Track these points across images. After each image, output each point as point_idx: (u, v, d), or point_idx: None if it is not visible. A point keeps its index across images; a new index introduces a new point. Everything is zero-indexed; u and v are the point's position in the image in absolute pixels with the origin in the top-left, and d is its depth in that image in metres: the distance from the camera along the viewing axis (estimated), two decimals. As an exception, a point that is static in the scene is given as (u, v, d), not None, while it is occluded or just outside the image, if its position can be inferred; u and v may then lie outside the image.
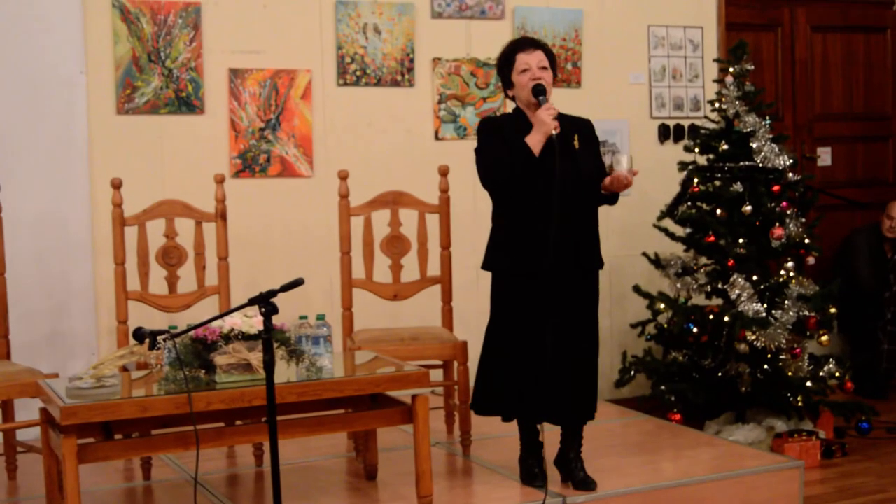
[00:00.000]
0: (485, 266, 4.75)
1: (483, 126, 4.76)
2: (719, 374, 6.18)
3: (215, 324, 4.09)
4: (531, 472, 4.77)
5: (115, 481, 5.07)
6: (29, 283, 5.78)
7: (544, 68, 4.62)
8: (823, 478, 5.71)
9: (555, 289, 4.53)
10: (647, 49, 7.36)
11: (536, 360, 4.53)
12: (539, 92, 4.54)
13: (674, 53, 7.44)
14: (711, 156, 6.44)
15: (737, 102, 6.36)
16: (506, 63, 4.70)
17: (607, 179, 4.55)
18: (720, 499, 4.89)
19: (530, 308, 4.56)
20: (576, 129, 4.68)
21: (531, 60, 4.60)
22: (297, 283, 3.72)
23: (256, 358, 4.12)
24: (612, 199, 4.70)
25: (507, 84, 4.73)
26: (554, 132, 4.46)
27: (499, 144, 4.57)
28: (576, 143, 4.62)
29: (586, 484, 4.68)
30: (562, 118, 4.58)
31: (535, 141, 4.49)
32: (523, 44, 4.71)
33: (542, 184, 4.49)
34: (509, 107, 6.69)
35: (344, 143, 6.52)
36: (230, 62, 6.28)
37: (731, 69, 6.44)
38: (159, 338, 3.92)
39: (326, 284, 6.27)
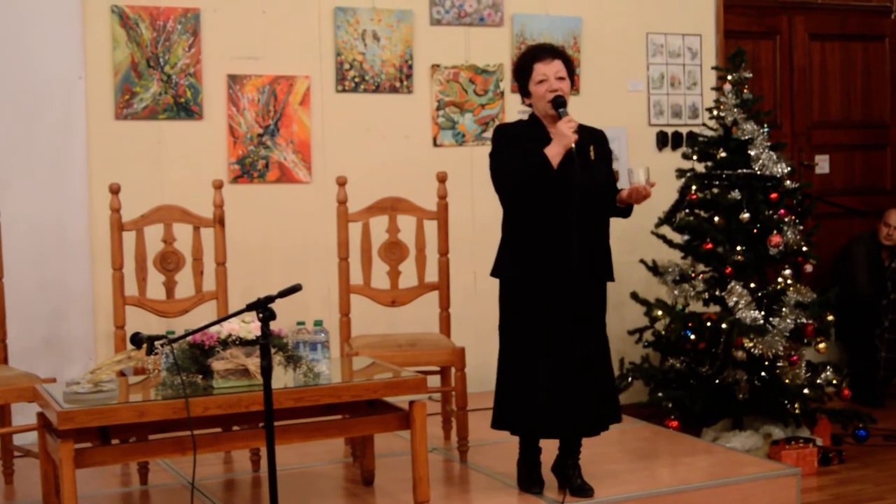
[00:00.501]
0: (496, 273, 4.73)
1: (499, 132, 4.73)
2: (717, 381, 6.18)
3: (213, 329, 4.10)
4: (530, 479, 4.76)
5: (111, 486, 5.07)
6: (27, 288, 5.77)
7: (562, 78, 4.60)
8: (820, 485, 5.71)
9: (571, 298, 4.53)
10: (646, 56, 7.37)
11: (562, 374, 4.53)
12: (559, 104, 4.53)
13: (672, 61, 7.45)
14: (709, 163, 6.45)
15: (735, 110, 6.37)
16: (522, 72, 4.69)
17: (625, 192, 4.56)
18: (717, 506, 4.90)
19: (546, 318, 4.55)
20: (591, 139, 4.68)
21: (548, 71, 4.58)
22: (295, 288, 3.73)
23: (254, 363, 4.12)
24: (626, 211, 4.71)
25: (524, 93, 4.72)
26: (573, 145, 4.46)
27: (515, 153, 4.56)
28: (591, 153, 4.63)
29: (583, 490, 4.68)
30: (578, 129, 4.57)
31: (554, 153, 4.48)
32: (541, 53, 4.68)
33: (560, 195, 4.49)
34: (508, 113, 6.75)
35: (342, 150, 6.53)
36: (229, 68, 6.29)
37: (729, 77, 6.45)
38: (157, 343, 3.93)
39: (324, 290, 6.27)
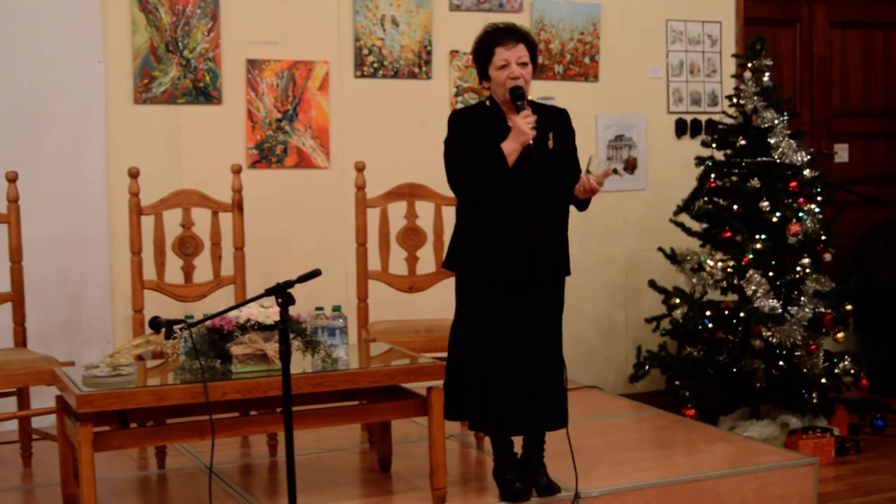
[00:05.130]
0: (449, 265, 4.55)
1: (454, 119, 4.49)
2: (734, 369, 6.16)
3: (232, 314, 4.10)
4: (512, 488, 4.48)
5: (129, 469, 5.09)
6: (45, 272, 5.79)
7: (524, 64, 4.35)
8: (837, 475, 5.70)
9: (529, 296, 4.34)
10: (665, 43, 7.34)
11: (516, 372, 4.36)
12: (517, 97, 4.30)
13: (692, 48, 7.42)
14: (729, 151, 6.43)
15: (755, 98, 6.34)
16: (483, 55, 4.42)
17: (578, 186, 4.33)
18: (734, 494, 4.88)
19: (501, 315, 4.36)
20: (551, 123, 4.45)
21: (510, 56, 4.33)
22: (315, 273, 3.72)
23: (272, 348, 4.13)
24: (581, 205, 4.48)
25: (483, 75, 4.47)
26: (531, 141, 4.26)
27: (469, 147, 4.36)
28: (550, 142, 4.40)
29: (550, 489, 4.51)
30: (537, 110, 4.39)
31: (510, 149, 4.27)
32: (503, 36, 4.38)
33: (516, 192, 4.31)
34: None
35: (361, 135, 6.52)
36: (248, 53, 6.29)
37: (749, 64, 6.42)
38: (175, 327, 3.93)
39: (342, 276, 6.28)
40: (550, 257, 4.36)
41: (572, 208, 4.52)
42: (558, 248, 4.44)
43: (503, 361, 4.36)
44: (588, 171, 4.31)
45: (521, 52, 4.37)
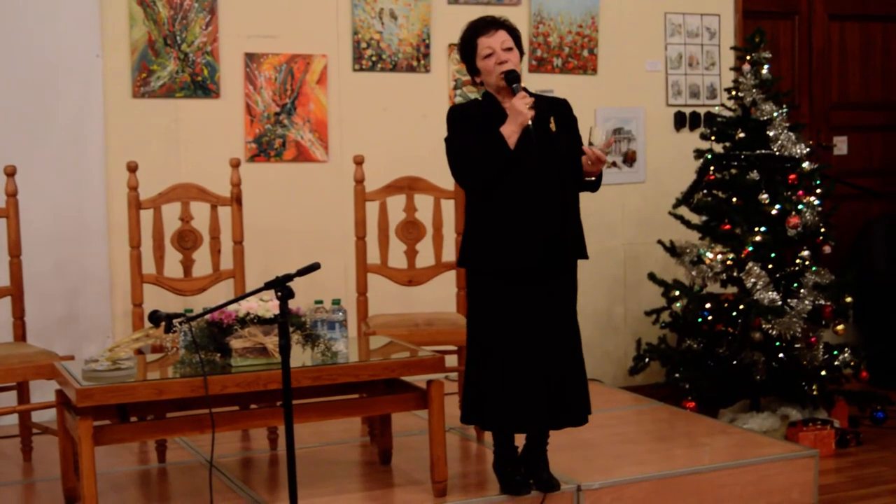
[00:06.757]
0: (462, 263, 4.48)
1: (452, 115, 4.45)
2: (734, 362, 6.16)
3: (231, 307, 4.10)
4: (513, 481, 4.48)
5: (129, 463, 5.09)
6: (45, 266, 5.79)
7: (509, 49, 4.33)
8: (838, 467, 5.70)
9: (542, 286, 4.30)
10: (664, 36, 7.34)
11: (536, 366, 4.31)
12: (512, 79, 4.27)
13: (690, 41, 7.41)
14: (728, 144, 6.42)
15: (753, 90, 6.33)
16: (467, 49, 4.41)
17: (584, 160, 4.26)
18: (734, 486, 4.88)
19: (517, 309, 4.30)
20: (552, 110, 4.41)
21: (494, 43, 4.31)
22: (314, 267, 3.72)
23: (272, 342, 4.13)
24: (593, 185, 4.43)
25: (472, 70, 4.45)
26: (530, 122, 4.22)
27: (469, 138, 4.33)
28: (552, 125, 4.36)
29: (549, 484, 4.49)
30: (537, 100, 4.36)
31: (509, 132, 4.22)
32: (483, 26, 4.38)
33: (521, 176, 4.27)
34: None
35: (359, 129, 6.51)
36: (246, 46, 6.28)
37: (748, 57, 6.41)
38: (175, 321, 3.93)
39: (341, 269, 6.27)
40: (565, 242, 4.32)
41: (584, 192, 4.47)
42: (572, 233, 4.37)
43: (519, 355, 4.31)
44: (591, 143, 4.27)
45: (503, 37, 4.36)
